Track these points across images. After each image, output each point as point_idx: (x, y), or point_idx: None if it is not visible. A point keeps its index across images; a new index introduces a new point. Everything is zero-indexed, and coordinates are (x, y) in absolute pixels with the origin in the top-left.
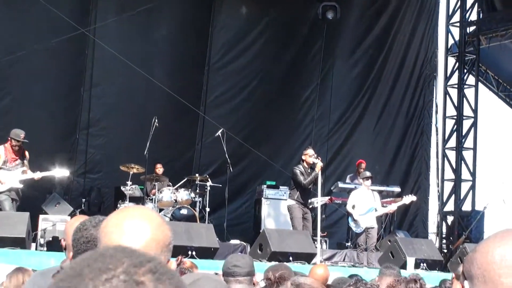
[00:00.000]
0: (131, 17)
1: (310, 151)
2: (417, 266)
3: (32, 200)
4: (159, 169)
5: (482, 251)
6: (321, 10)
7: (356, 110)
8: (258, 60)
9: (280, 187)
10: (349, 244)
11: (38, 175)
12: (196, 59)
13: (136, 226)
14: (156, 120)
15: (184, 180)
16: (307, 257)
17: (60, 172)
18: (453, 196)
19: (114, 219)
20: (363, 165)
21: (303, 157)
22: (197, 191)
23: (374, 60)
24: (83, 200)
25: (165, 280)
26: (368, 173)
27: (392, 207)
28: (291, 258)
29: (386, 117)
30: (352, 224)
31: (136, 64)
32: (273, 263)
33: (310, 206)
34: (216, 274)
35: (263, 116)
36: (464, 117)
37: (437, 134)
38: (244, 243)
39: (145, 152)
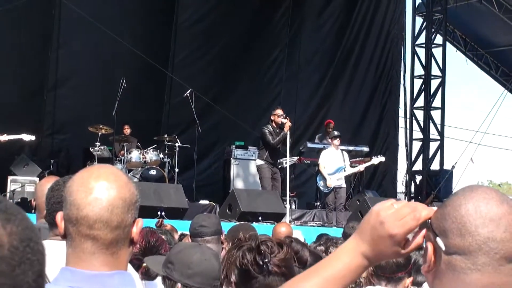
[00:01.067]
0: None
1: (278, 111)
2: None
3: (0, 161)
4: (127, 130)
5: (454, 205)
6: None
7: (324, 70)
8: (226, 20)
9: (249, 147)
10: (318, 204)
11: (4, 137)
12: (163, 19)
13: (102, 185)
14: (124, 81)
15: (154, 146)
16: (276, 217)
17: (27, 137)
18: (421, 156)
19: (79, 178)
20: (332, 125)
21: (272, 117)
22: (166, 151)
23: (342, 21)
24: (52, 161)
25: (14, 220)
26: (336, 133)
27: (360, 167)
28: (260, 218)
29: (354, 77)
30: (320, 184)
31: (103, 24)
32: (242, 222)
33: (279, 166)
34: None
35: (231, 76)
36: (432, 77)
37: (405, 94)
38: (213, 204)
39: (113, 113)
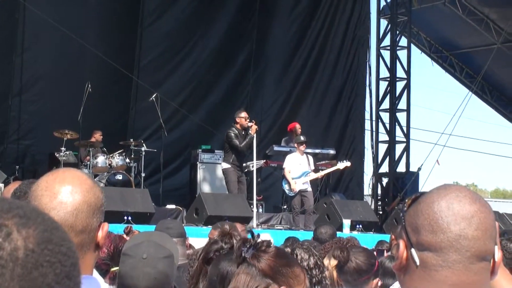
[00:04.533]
0: None
1: (243, 114)
2: (353, 228)
3: None
4: (98, 136)
5: (427, 201)
6: None
7: (291, 73)
8: (192, 22)
9: (215, 151)
10: (285, 207)
11: None
12: (128, 22)
13: (67, 189)
14: (89, 85)
15: (120, 150)
16: (244, 221)
17: None
18: (387, 158)
19: (44, 182)
20: (298, 128)
21: (237, 119)
22: (132, 156)
23: (307, 23)
24: (17, 167)
25: (31, 225)
26: (302, 138)
27: (323, 173)
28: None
29: (320, 79)
30: (285, 187)
31: (67, 28)
32: (209, 227)
33: (246, 170)
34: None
35: (197, 79)
36: (397, 79)
37: (370, 96)
38: (180, 208)
39: (79, 118)
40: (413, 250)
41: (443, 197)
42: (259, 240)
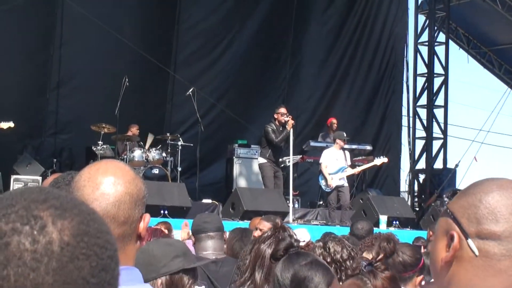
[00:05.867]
0: None
1: (282, 110)
2: (389, 224)
3: (3, 160)
4: (135, 130)
5: (485, 190)
6: None
7: (328, 69)
8: (229, 18)
9: (252, 146)
10: (321, 202)
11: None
12: (165, 17)
13: (109, 180)
14: (127, 79)
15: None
16: (280, 216)
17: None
18: (424, 154)
19: (86, 173)
20: (335, 124)
21: (275, 116)
22: (169, 150)
23: (344, 20)
24: (54, 160)
25: (67, 217)
26: (344, 134)
27: (360, 169)
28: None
29: (357, 75)
30: (322, 183)
31: (105, 23)
32: (246, 221)
33: (282, 165)
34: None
35: (234, 75)
36: (435, 75)
37: (408, 92)
38: (216, 202)
39: (116, 112)
40: (470, 241)
41: (500, 188)
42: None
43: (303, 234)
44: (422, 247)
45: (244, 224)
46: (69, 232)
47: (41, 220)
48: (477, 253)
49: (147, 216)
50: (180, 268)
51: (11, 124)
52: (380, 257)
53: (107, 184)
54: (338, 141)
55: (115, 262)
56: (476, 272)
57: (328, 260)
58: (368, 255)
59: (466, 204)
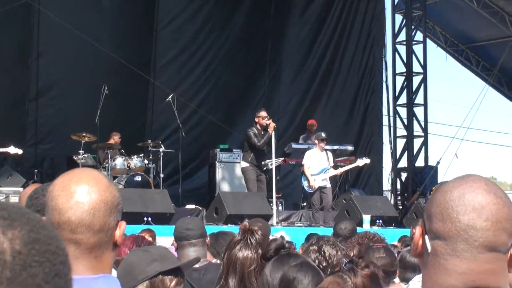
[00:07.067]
0: None
1: (262, 113)
2: (373, 223)
3: None
4: (117, 138)
5: (442, 190)
6: None
7: (307, 71)
8: (208, 24)
9: (234, 150)
10: (304, 204)
11: None
12: (144, 24)
13: (83, 189)
14: (106, 88)
15: (141, 154)
16: (263, 219)
17: (13, 150)
18: (406, 153)
19: (60, 182)
20: (315, 125)
21: (256, 120)
22: (150, 157)
23: (322, 20)
24: (36, 171)
25: (16, 226)
26: (323, 135)
27: (343, 170)
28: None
29: (337, 76)
30: (304, 184)
31: (83, 31)
32: (229, 226)
33: (265, 168)
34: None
35: (214, 79)
36: (413, 73)
37: (387, 92)
38: (200, 208)
39: (96, 120)
40: (426, 237)
41: (457, 187)
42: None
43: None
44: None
45: (228, 228)
46: (20, 241)
47: None
48: (429, 250)
49: (123, 223)
50: (158, 271)
51: (19, 151)
52: (356, 253)
53: (81, 193)
54: (316, 141)
55: (67, 267)
56: (431, 270)
57: (324, 264)
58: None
59: (430, 199)
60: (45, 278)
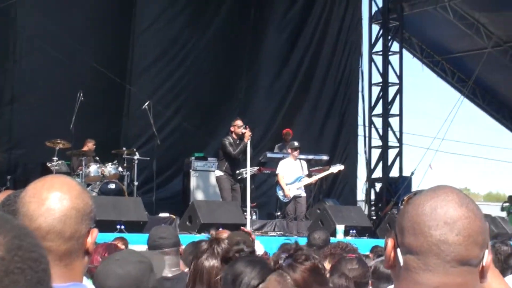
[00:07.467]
0: None
1: (238, 122)
2: (346, 233)
3: None
4: (92, 146)
5: (414, 204)
6: None
7: (284, 80)
8: (186, 30)
9: (209, 158)
10: (278, 214)
11: None
12: (121, 30)
13: (55, 195)
14: (81, 94)
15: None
16: (237, 228)
17: None
18: (380, 163)
19: (32, 189)
20: (290, 134)
21: (232, 128)
22: (125, 165)
23: (299, 29)
24: (8, 177)
25: (0, 233)
26: (296, 143)
27: (317, 177)
28: (221, 229)
29: (313, 85)
30: (279, 194)
31: (60, 37)
32: (203, 234)
33: (239, 177)
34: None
35: (191, 87)
36: (389, 84)
37: (363, 102)
38: (173, 216)
39: (71, 127)
40: (398, 250)
41: (429, 200)
42: (298, 252)
43: (257, 246)
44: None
45: (201, 237)
46: (3, 247)
47: None
48: (401, 263)
49: (95, 231)
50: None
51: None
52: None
53: (52, 200)
54: (290, 150)
55: (48, 275)
56: (404, 283)
57: None
58: (328, 265)
59: (402, 212)
60: (27, 285)
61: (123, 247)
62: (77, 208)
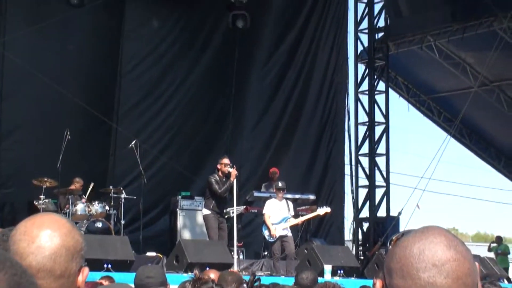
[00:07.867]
0: (42, 28)
1: (225, 160)
2: (334, 273)
3: None
4: (79, 185)
5: (402, 245)
6: (231, 19)
7: (270, 119)
8: (171, 69)
9: (195, 197)
10: (265, 253)
11: None
12: (107, 69)
13: (45, 233)
14: (68, 133)
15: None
16: (224, 267)
17: None
18: (367, 203)
19: (22, 227)
20: (277, 174)
21: (218, 166)
22: (112, 203)
23: (285, 69)
24: None
25: (1, 269)
26: (281, 184)
27: (303, 219)
28: (208, 269)
29: (300, 125)
30: (265, 233)
31: (47, 76)
32: (190, 274)
33: (226, 216)
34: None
35: (178, 126)
36: (376, 123)
37: (350, 141)
38: (160, 255)
39: (58, 165)
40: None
41: (417, 242)
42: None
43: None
44: None
45: (188, 277)
46: (5, 284)
47: None
48: None
49: (86, 269)
50: None
51: None
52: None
53: (43, 237)
54: (276, 191)
55: None
56: None
57: None
58: None
59: (390, 254)
60: None
61: None
62: (67, 246)
